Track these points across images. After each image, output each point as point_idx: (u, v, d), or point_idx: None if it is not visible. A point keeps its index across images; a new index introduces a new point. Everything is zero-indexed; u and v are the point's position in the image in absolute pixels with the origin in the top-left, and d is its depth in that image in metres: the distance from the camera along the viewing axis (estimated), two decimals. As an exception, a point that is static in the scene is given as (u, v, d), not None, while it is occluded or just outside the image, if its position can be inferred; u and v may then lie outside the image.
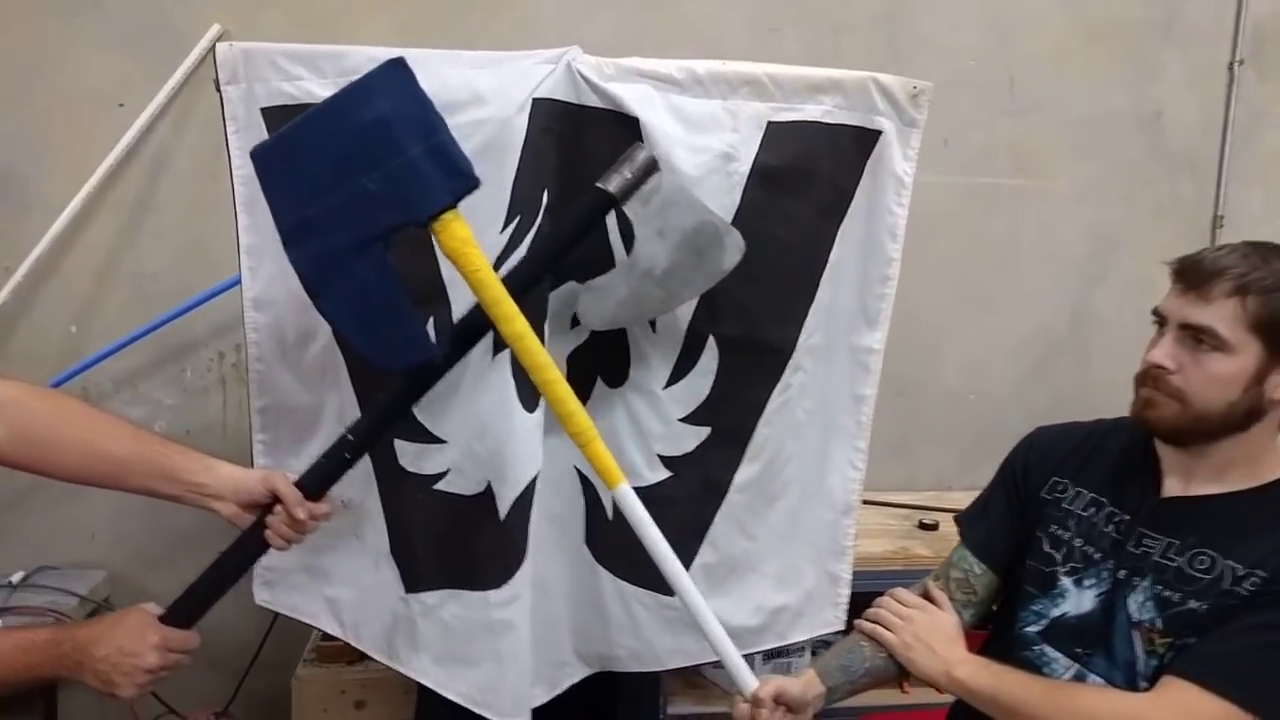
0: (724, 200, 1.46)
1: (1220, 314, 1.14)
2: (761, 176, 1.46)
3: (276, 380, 1.50)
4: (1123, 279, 2.73)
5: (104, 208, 2.26)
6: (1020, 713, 1.21)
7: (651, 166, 1.32)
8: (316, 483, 1.27)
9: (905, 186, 1.53)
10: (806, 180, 1.49)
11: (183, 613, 1.26)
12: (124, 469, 1.26)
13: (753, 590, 1.72)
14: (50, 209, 2.21)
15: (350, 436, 1.27)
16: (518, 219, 1.42)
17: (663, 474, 1.57)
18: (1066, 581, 1.28)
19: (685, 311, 1.51)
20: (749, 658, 1.51)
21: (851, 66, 2.44)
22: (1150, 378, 1.19)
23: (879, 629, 1.35)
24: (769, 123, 1.46)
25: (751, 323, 1.53)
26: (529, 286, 1.34)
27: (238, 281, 2.15)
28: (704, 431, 1.55)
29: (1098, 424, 1.39)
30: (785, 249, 1.51)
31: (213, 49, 2.19)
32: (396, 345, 1.22)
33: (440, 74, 1.35)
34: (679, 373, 1.55)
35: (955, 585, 1.43)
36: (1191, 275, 1.17)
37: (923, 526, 2.32)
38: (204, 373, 2.35)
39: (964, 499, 2.53)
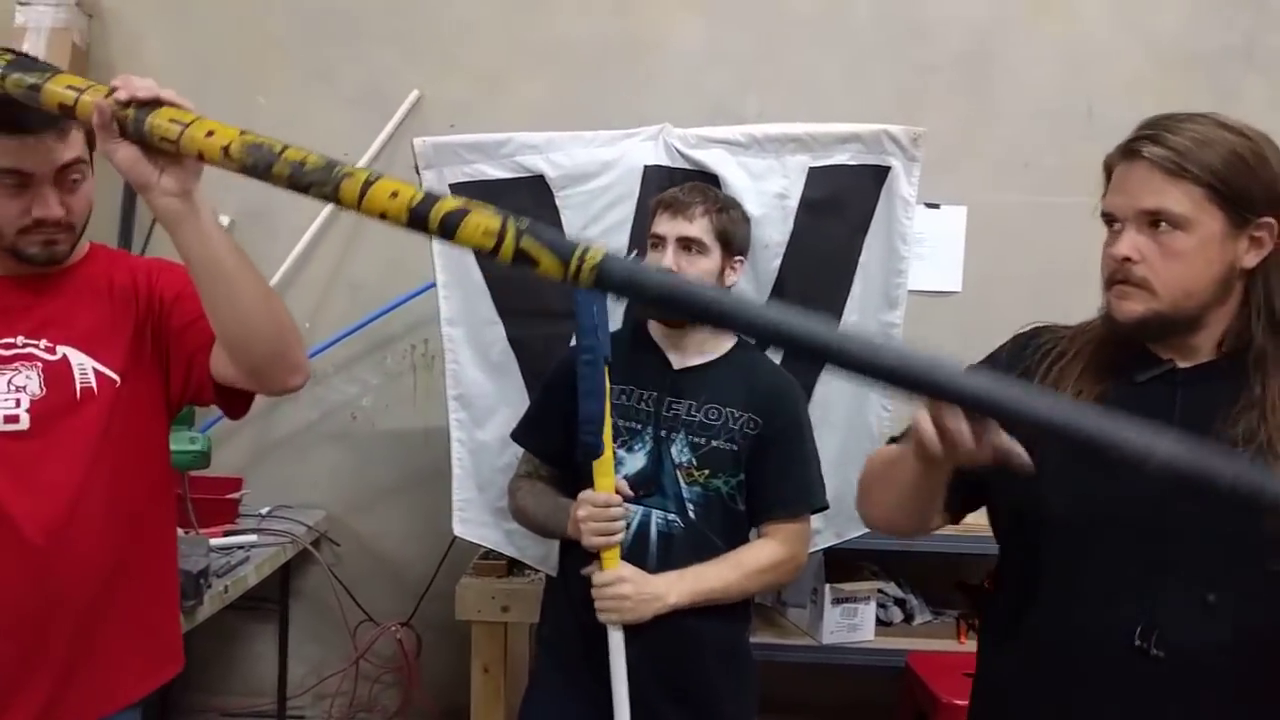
0: (781, 228, 1.97)
1: (700, 227, 1.64)
2: (807, 207, 1.96)
3: (466, 374, 2.04)
4: (1203, 289, 2.91)
5: (330, 234, 2.94)
6: (726, 594, 1.63)
7: None
8: None
9: (910, 204, 1.97)
10: (839, 207, 1.98)
11: None
12: None
13: None
14: (293, 235, 2.90)
15: None
16: (635, 251, 1.96)
17: None
18: (620, 452, 1.65)
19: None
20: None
21: (937, 103, 2.88)
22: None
23: (613, 620, 1.58)
24: (810, 168, 1.96)
25: (807, 309, 1.98)
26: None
27: (424, 290, 2.82)
28: None
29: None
30: (828, 256, 2.01)
31: (412, 108, 2.88)
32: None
33: (574, 153, 1.95)
34: (760, 347, 2.04)
35: (535, 478, 1.81)
36: (675, 205, 1.66)
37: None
38: (400, 359, 2.99)
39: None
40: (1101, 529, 1.14)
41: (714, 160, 1.94)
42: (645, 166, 1.95)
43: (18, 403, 1.28)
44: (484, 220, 0.95)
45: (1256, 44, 2.85)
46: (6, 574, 1.27)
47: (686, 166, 1.96)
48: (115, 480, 1.33)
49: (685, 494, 1.65)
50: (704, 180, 1.94)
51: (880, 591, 2.59)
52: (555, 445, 1.75)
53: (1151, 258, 1.11)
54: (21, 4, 2.75)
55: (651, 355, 1.71)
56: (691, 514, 1.65)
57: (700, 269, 1.64)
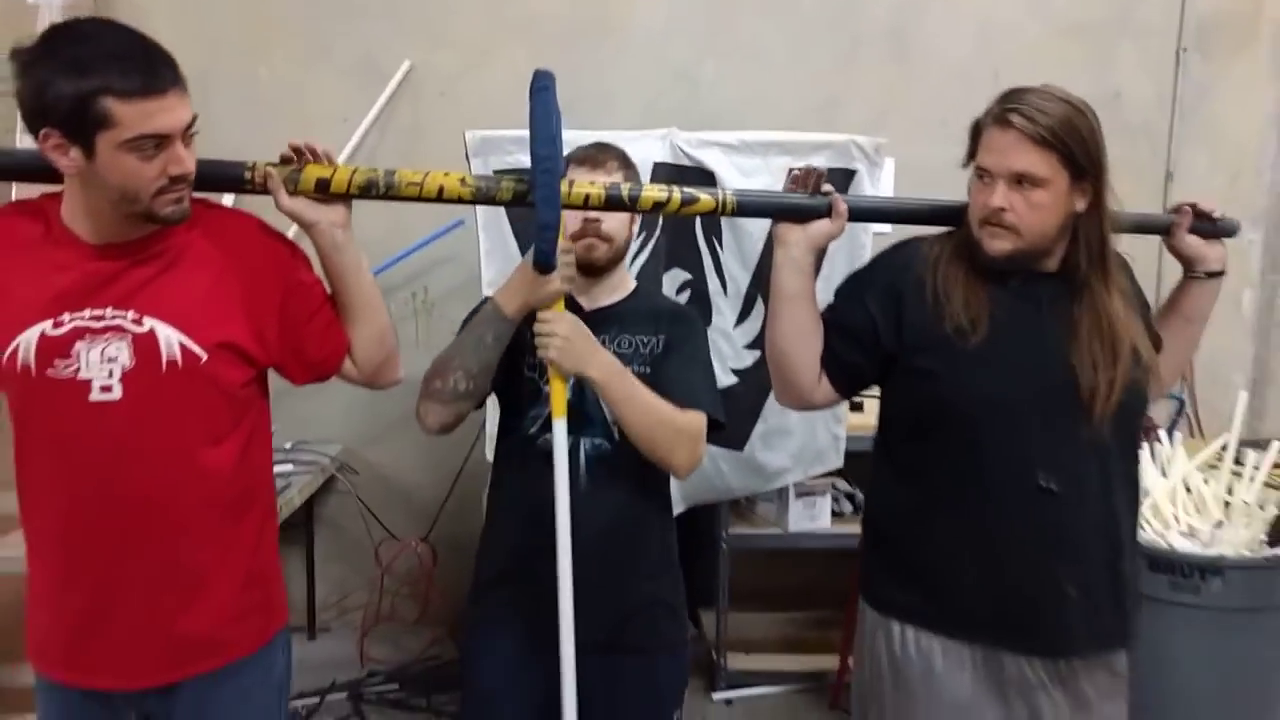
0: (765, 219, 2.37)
1: (617, 178, 1.68)
2: None
3: None
4: (1089, 225, 3.46)
5: (334, 193, 3.23)
6: (642, 409, 1.61)
7: None
8: None
9: None
10: None
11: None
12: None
13: (786, 444, 2.67)
14: (301, 195, 3.18)
15: None
16: (644, 233, 2.35)
17: (734, 379, 2.52)
18: (546, 387, 1.66)
19: (744, 282, 2.45)
20: (784, 489, 2.70)
21: (867, 70, 3.33)
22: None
23: (548, 355, 1.58)
24: (790, 169, 2.31)
25: None
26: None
27: (422, 245, 3.14)
28: (757, 353, 2.49)
29: None
30: None
31: (404, 78, 3.17)
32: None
33: None
34: (741, 318, 2.51)
35: None
36: (591, 160, 1.72)
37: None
38: (402, 306, 3.29)
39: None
40: (1013, 403, 1.49)
41: (711, 159, 2.33)
42: (655, 163, 2.32)
43: (111, 373, 1.36)
44: (655, 191, 1.55)
45: (1128, 15, 3.36)
46: (109, 538, 1.38)
47: (688, 164, 2.34)
48: (207, 453, 1.43)
49: (609, 415, 1.69)
50: (702, 176, 2.33)
51: (834, 486, 3.08)
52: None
53: (1019, 208, 1.43)
54: (35, -16, 2.94)
55: (566, 301, 1.74)
56: (616, 435, 1.71)
57: (616, 215, 1.71)
